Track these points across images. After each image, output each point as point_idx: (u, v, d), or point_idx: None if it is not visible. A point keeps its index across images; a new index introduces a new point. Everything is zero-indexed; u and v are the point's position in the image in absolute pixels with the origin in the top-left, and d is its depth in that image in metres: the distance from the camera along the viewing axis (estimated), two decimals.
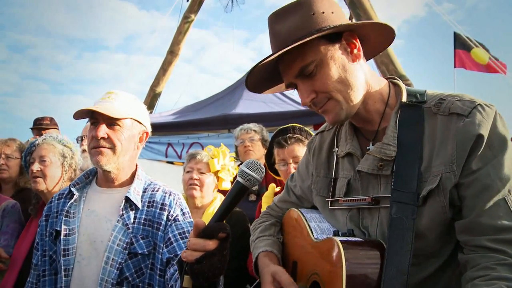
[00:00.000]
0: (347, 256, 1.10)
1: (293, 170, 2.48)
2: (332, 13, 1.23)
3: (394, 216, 1.15)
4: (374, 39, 1.31)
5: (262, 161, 3.52)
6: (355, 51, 1.24)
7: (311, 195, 1.52)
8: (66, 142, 2.55)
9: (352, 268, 1.09)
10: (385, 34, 1.29)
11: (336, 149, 1.41)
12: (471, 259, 1.09)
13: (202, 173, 2.74)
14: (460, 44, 8.20)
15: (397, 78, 1.37)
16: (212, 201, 2.79)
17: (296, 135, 2.61)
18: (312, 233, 1.35)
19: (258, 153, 3.50)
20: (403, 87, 1.31)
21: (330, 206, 1.38)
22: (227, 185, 2.86)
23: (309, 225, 1.38)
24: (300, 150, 2.52)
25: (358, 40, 1.25)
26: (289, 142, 2.55)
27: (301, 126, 2.78)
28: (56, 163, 2.45)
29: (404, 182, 1.17)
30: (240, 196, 1.22)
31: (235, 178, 1.49)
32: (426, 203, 1.15)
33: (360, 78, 1.24)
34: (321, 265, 1.23)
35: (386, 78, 1.36)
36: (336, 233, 1.27)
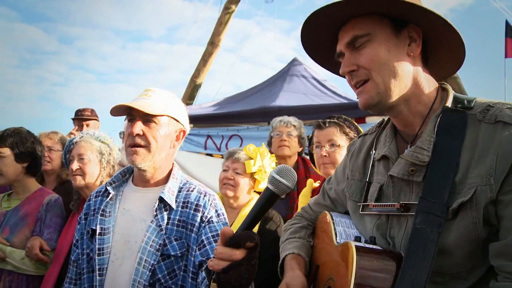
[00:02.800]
0: (359, 262, 1.05)
1: (324, 153, 2.41)
2: None
3: (418, 227, 1.07)
4: (442, 55, 1.25)
5: (295, 158, 3.42)
6: (413, 45, 1.19)
7: (345, 199, 1.47)
8: (103, 138, 2.59)
9: (361, 276, 1.04)
10: (454, 47, 1.21)
11: (374, 151, 1.35)
12: (504, 287, 0.98)
13: (237, 173, 2.67)
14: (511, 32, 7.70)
15: (447, 83, 1.29)
16: (248, 201, 2.72)
17: (336, 120, 2.52)
18: (336, 237, 1.32)
19: (293, 149, 3.36)
20: (451, 92, 1.24)
21: (361, 211, 1.33)
22: (264, 186, 2.78)
23: (335, 229, 1.35)
24: (337, 135, 2.42)
25: (421, 38, 1.20)
26: (327, 125, 2.47)
27: (347, 117, 2.66)
28: (94, 160, 2.49)
29: (435, 191, 1.08)
30: (270, 204, 1.16)
31: None
32: (456, 217, 1.05)
33: (408, 72, 1.18)
34: (336, 270, 1.20)
35: (439, 83, 1.29)
36: (357, 239, 1.22)
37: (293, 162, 3.42)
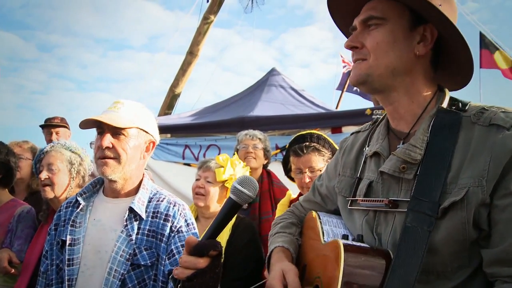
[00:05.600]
0: (347, 260, 1.05)
1: (307, 180, 2.50)
2: (440, 6, 1.14)
3: (409, 225, 1.07)
4: (452, 65, 1.25)
5: (260, 170, 3.50)
6: (421, 44, 1.18)
7: (335, 195, 1.47)
8: (74, 148, 2.57)
9: (350, 273, 1.04)
10: (463, 60, 1.21)
11: (367, 148, 1.35)
12: None
13: (208, 182, 2.69)
14: (486, 44, 7.99)
15: (444, 87, 1.29)
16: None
17: (313, 144, 2.59)
18: (323, 235, 1.31)
19: (259, 161, 3.43)
20: (448, 94, 1.24)
21: (349, 206, 1.33)
22: None
23: (322, 228, 1.35)
24: (316, 160, 2.52)
25: (433, 39, 1.19)
26: (305, 151, 2.54)
27: (320, 133, 2.75)
28: (63, 170, 2.47)
29: (426, 190, 1.09)
30: (233, 213, 1.20)
31: None
32: (445, 216, 1.05)
33: (405, 67, 1.18)
34: (323, 268, 1.20)
35: (438, 85, 1.28)
36: (345, 237, 1.23)
37: (258, 174, 3.48)
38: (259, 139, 3.46)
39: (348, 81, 12.27)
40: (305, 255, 1.45)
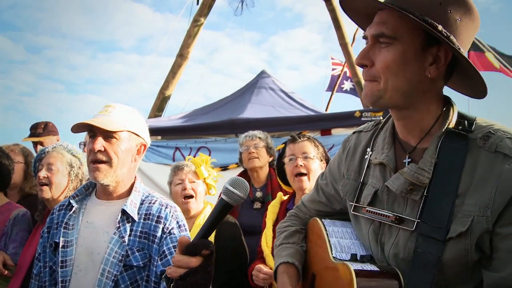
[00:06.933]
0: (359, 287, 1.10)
1: (300, 163, 2.53)
2: (458, 20, 1.13)
3: (419, 250, 1.11)
4: (465, 81, 1.23)
5: (266, 169, 3.55)
6: (434, 66, 1.15)
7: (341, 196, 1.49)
8: (75, 152, 2.61)
9: None
10: (477, 85, 1.19)
11: (370, 152, 1.36)
12: None
13: (193, 182, 2.79)
14: (474, 46, 8.09)
15: (451, 99, 1.27)
16: (202, 210, 2.83)
17: (309, 136, 2.71)
18: (332, 250, 1.34)
19: (262, 160, 3.49)
20: (455, 111, 1.24)
21: (352, 211, 1.36)
22: (213, 192, 2.98)
23: (329, 241, 1.37)
24: (311, 148, 2.58)
25: (448, 60, 1.16)
26: (301, 138, 2.64)
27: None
28: (63, 171, 2.50)
29: (434, 215, 1.12)
30: (224, 214, 1.23)
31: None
32: (449, 241, 1.10)
33: (417, 90, 1.17)
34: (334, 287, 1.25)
35: (445, 98, 1.27)
36: (353, 257, 1.27)
37: (265, 173, 3.54)
38: (259, 138, 3.53)
39: (337, 82, 12.40)
40: (313, 263, 1.48)
